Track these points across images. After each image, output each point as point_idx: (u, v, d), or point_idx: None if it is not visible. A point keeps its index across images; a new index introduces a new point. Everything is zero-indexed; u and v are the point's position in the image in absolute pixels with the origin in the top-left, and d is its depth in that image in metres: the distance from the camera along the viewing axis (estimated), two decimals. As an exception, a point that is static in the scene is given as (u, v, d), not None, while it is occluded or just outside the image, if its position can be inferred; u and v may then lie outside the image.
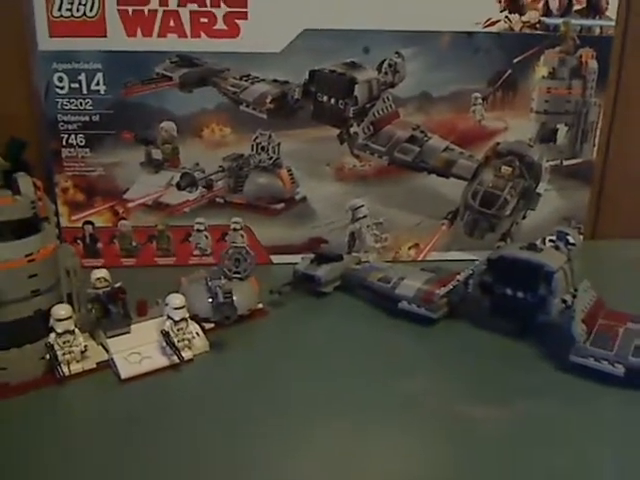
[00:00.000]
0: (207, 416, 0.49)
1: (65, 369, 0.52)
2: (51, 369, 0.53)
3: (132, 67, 0.74)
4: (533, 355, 0.58)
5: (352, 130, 0.77)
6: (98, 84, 0.74)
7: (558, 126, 0.81)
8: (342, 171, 0.79)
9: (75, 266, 0.56)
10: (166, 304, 0.56)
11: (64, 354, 0.53)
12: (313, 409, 0.50)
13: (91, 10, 0.71)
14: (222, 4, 0.72)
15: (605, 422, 0.49)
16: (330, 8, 0.73)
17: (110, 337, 0.56)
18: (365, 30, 0.74)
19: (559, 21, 0.77)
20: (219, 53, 0.74)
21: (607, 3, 0.77)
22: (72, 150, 0.76)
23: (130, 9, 0.71)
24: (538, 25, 0.77)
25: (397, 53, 0.75)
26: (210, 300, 0.62)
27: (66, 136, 0.75)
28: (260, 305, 0.66)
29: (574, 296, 0.57)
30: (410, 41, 0.75)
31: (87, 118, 0.75)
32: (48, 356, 0.52)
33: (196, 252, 0.81)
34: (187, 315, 0.56)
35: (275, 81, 0.75)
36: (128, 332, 0.57)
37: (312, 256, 0.73)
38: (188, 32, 0.73)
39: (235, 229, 0.80)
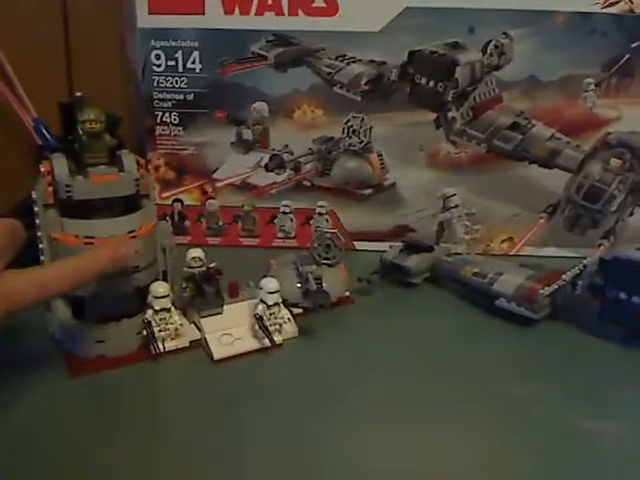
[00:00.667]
0: (301, 401, 0.48)
1: (160, 346, 0.53)
2: (145, 345, 0.53)
3: (228, 46, 0.73)
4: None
5: (450, 115, 0.73)
6: (194, 62, 0.74)
7: (677, 117, 0.74)
8: (436, 157, 0.76)
9: (171, 244, 0.57)
10: (260, 288, 0.55)
11: (160, 331, 0.53)
12: (407, 405, 0.48)
13: (191, -13, 0.71)
14: (322, -20, 0.70)
15: None
16: (434, -15, 0.69)
17: (203, 317, 0.56)
18: (471, 9, 0.70)
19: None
20: (316, 32, 0.72)
21: None
22: (166, 128, 0.77)
23: (229, -14, 0.71)
24: (662, 7, 0.70)
25: (504, 34, 0.70)
26: (299, 285, 0.61)
27: (160, 114, 0.76)
28: (347, 293, 0.65)
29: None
30: (520, 21, 0.70)
31: (182, 96, 0.75)
32: (145, 332, 0.53)
33: (279, 234, 0.80)
34: (280, 300, 0.56)
35: (372, 62, 0.73)
36: (220, 313, 0.57)
37: (401, 245, 0.71)
38: (286, 10, 0.71)
39: (320, 213, 0.79)
